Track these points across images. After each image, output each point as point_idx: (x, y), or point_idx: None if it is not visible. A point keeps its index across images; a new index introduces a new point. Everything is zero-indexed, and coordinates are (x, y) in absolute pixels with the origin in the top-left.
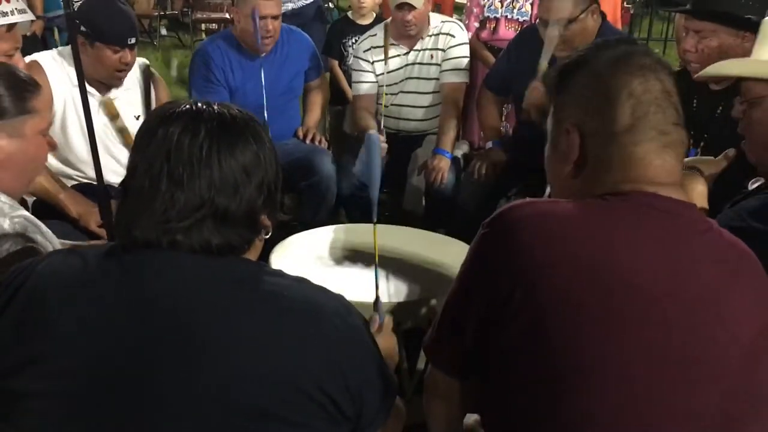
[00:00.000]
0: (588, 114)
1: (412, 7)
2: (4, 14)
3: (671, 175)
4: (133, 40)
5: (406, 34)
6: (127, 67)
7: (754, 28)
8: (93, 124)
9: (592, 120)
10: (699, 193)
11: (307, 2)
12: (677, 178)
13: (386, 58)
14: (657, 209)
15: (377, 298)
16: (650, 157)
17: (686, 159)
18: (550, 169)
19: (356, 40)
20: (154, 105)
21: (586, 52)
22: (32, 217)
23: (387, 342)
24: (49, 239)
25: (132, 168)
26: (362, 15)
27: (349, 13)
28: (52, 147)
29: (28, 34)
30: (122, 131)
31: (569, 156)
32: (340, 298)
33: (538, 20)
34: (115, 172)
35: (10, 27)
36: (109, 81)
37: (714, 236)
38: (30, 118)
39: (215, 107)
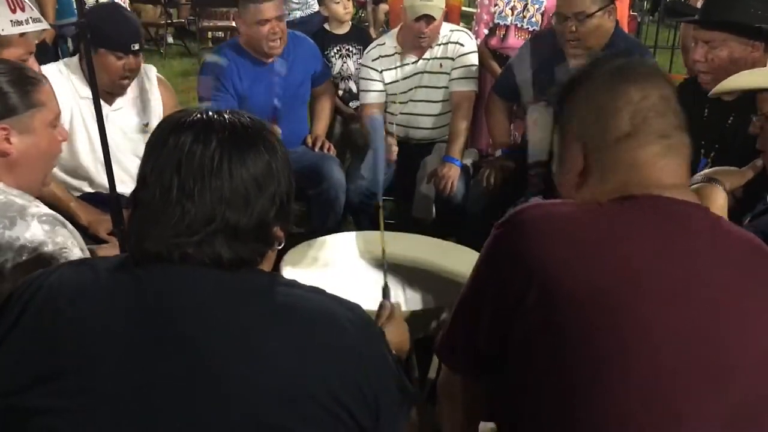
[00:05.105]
0: (589, 125)
1: (431, 19)
2: (19, 23)
3: (676, 177)
4: (137, 47)
5: (419, 45)
6: (132, 74)
7: (764, 38)
8: (106, 132)
9: (593, 130)
10: (719, 206)
11: (315, 10)
12: (683, 179)
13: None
14: (663, 210)
15: (386, 285)
16: (654, 159)
17: (708, 170)
18: (559, 182)
19: (338, 50)
20: (162, 113)
21: (587, 67)
22: (55, 213)
23: (398, 330)
24: (74, 234)
25: (142, 178)
26: (340, 24)
27: (326, 25)
28: (63, 138)
29: (37, 41)
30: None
31: (575, 167)
32: (355, 308)
33: (554, 15)
34: (123, 182)
35: (23, 33)
36: (112, 89)
37: (722, 232)
38: (38, 112)
39: (227, 116)
